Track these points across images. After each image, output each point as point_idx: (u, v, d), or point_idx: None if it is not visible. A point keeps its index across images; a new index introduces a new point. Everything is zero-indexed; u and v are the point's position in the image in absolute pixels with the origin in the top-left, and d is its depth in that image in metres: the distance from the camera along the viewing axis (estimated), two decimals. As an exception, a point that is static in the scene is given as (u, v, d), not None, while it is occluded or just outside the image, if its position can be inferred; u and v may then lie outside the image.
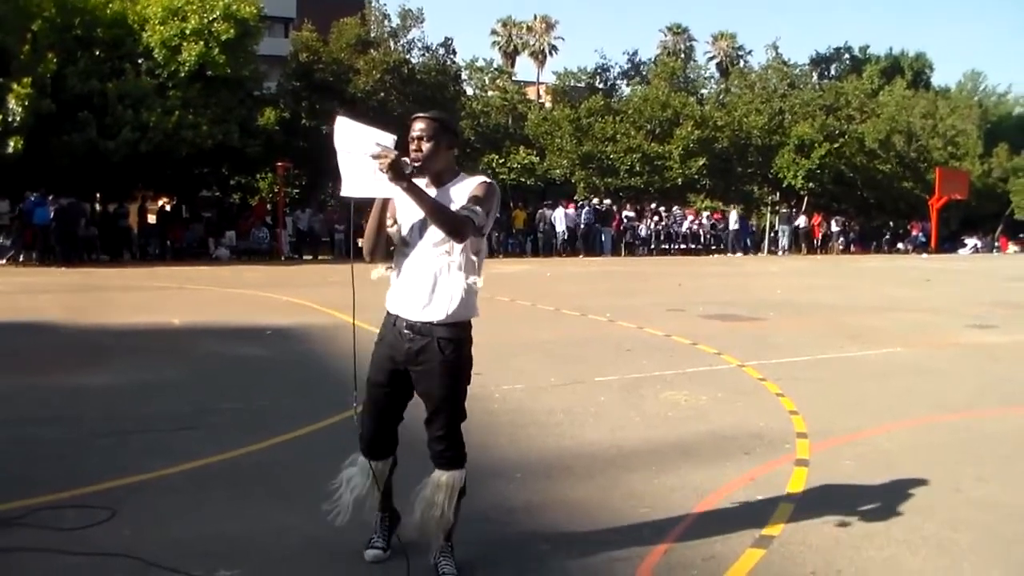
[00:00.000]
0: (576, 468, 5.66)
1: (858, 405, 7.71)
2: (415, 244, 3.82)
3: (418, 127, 3.80)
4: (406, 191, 3.62)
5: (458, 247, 3.76)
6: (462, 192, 3.79)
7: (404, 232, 3.85)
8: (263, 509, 4.78)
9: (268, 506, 4.84)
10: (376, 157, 3.57)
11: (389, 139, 3.65)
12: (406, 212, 3.83)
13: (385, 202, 3.81)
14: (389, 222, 3.88)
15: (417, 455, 4.08)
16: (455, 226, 3.66)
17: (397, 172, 3.56)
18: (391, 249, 3.92)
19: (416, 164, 3.71)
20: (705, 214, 41.79)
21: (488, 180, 3.87)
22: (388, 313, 3.94)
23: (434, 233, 3.75)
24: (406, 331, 3.83)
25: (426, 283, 3.79)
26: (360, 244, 3.95)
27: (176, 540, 4.30)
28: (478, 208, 3.72)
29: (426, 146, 3.76)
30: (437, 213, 3.66)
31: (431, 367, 3.82)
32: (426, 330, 3.80)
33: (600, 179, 37.89)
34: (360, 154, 3.63)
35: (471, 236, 3.74)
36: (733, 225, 40.21)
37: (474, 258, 3.86)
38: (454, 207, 3.73)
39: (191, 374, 8.67)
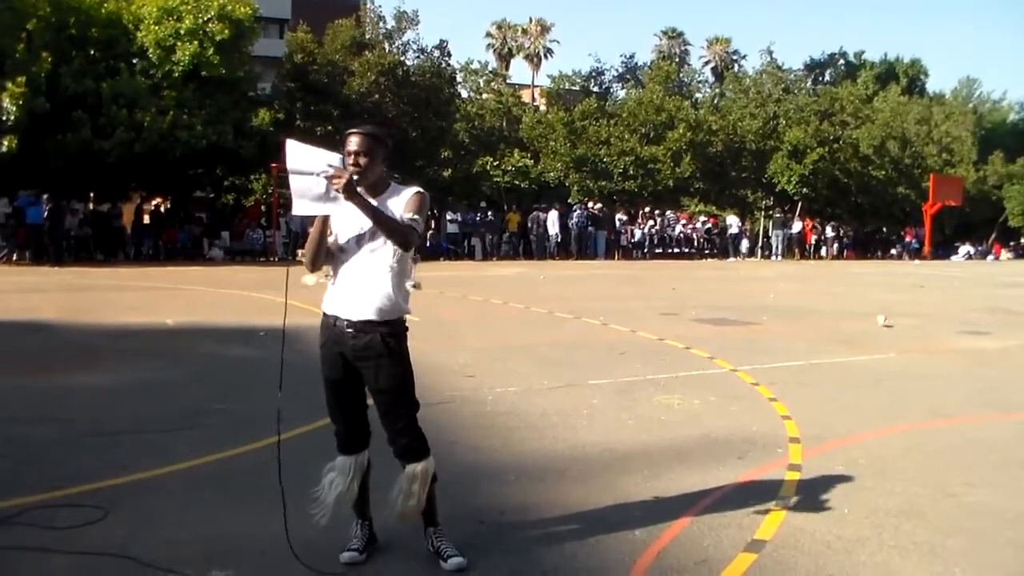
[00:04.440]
0: (569, 471, 5.66)
1: (851, 410, 7.73)
2: (352, 251, 4.03)
3: (354, 141, 3.98)
4: (359, 206, 3.84)
5: (393, 252, 4.00)
6: (398, 203, 4.02)
7: (341, 241, 4.04)
8: (256, 510, 4.78)
9: (261, 507, 4.82)
10: (330, 178, 3.78)
11: (336, 159, 3.86)
12: (342, 223, 4.01)
13: (327, 216, 3.97)
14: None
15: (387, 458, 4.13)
16: (403, 236, 3.94)
17: (351, 190, 3.78)
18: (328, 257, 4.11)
19: (356, 176, 3.88)
20: (702, 218, 41.88)
21: (421, 191, 4.10)
22: (326, 314, 4.13)
23: (371, 242, 4.00)
24: (348, 330, 4.02)
25: (364, 286, 4.01)
26: (300, 255, 4.14)
27: (169, 540, 4.30)
28: (418, 217, 3.98)
29: (363, 160, 3.94)
30: (386, 225, 3.91)
31: (379, 361, 4.03)
32: (368, 327, 4.01)
33: (594, 182, 37.91)
34: (312, 175, 3.81)
35: (415, 243, 4.00)
36: (733, 230, 40.28)
37: (409, 261, 4.09)
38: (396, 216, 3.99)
39: (184, 375, 8.66)
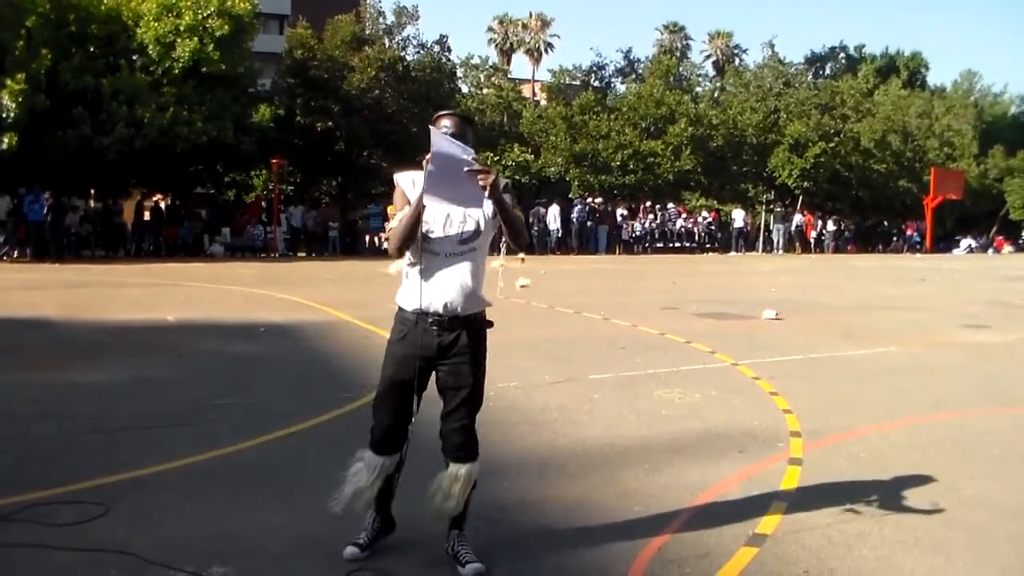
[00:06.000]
0: (570, 466, 5.67)
1: (851, 404, 7.73)
2: (440, 242, 3.91)
3: (445, 124, 3.90)
4: (497, 204, 3.79)
5: (482, 244, 3.95)
6: None
7: (426, 229, 3.90)
8: (256, 506, 4.78)
9: (261, 503, 4.83)
10: (477, 172, 3.67)
11: (471, 153, 3.73)
12: (433, 213, 3.89)
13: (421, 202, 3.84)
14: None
15: (424, 454, 4.11)
16: (524, 235, 3.97)
17: (496, 186, 3.71)
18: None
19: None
20: (704, 213, 41.84)
21: (508, 182, 4.00)
22: (406, 310, 3.99)
23: (461, 231, 3.91)
24: (433, 327, 3.91)
25: (454, 279, 3.90)
26: (385, 237, 4.01)
27: (169, 537, 4.30)
28: (519, 209, 3.96)
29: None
30: (516, 223, 3.92)
31: (461, 359, 3.95)
32: (456, 324, 3.92)
33: (594, 177, 37.90)
34: (454, 165, 3.68)
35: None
36: (739, 224, 40.21)
37: (499, 257, 4.13)
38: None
39: (185, 371, 8.65)
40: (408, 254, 3.96)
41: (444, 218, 3.89)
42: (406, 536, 4.23)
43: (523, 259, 4.14)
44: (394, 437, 4.04)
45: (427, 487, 4.02)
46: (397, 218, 3.91)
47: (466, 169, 3.67)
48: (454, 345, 3.92)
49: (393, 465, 4.07)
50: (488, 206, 3.84)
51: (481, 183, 3.67)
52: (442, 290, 3.89)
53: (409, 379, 3.95)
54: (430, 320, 3.90)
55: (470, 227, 3.90)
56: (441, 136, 3.74)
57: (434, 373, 4.01)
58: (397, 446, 4.07)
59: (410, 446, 4.11)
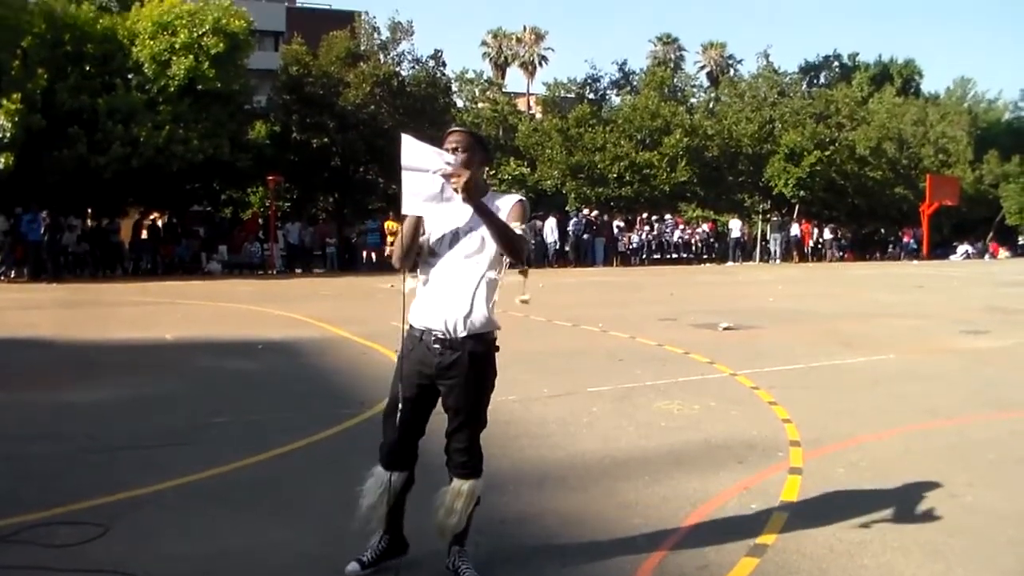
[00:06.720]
0: (569, 479, 5.66)
1: (851, 412, 7.72)
2: (444, 255, 3.85)
3: (453, 140, 3.85)
4: (475, 208, 3.69)
5: (489, 261, 3.82)
6: (499, 211, 3.81)
7: (432, 242, 3.86)
8: (255, 524, 4.76)
9: (260, 521, 4.82)
10: (449, 176, 3.62)
11: (452, 158, 3.69)
12: (437, 224, 3.85)
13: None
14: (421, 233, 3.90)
15: (431, 470, 4.10)
16: (517, 246, 3.76)
17: (469, 188, 3.61)
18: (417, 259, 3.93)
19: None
20: (704, 226, 41.90)
21: (523, 199, 3.94)
22: (413, 327, 3.93)
23: (466, 246, 3.82)
24: (435, 346, 3.84)
25: (455, 297, 3.81)
26: (388, 252, 3.97)
27: (168, 556, 4.28)
28: (525, 227, 3.81)
29: (461, 158, 3.76)
30: (503, 232, 3.73)
31: (461, 381, 3.85)
32: (456, 344, 3.82)
33: (591, 189, 37.96)
34: (426, 172, 3.64)
35: (525, 254, 3.81)
36: (735, 234, 40.26)
37: (500, 274, 3.90)
38: None
39: (183, 389, 8.64)
40: (419, 270, 3.92)
41: (450, 233, 3.84)
42: (409, 551, 4.21)
43: (525, 272, 4.08)
44: (400, 453, 3.98)
45: (431, 502, 4.01)
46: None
47: (433, 172, 3.63)
48: (454, 366, 3.83)
49: (401, 482, 4.00)
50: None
51: (453, 185, 3.62)
52: (444, 308, 3.82)
53: (411, 396, 3.90)
54: (432, 338, 3.84)
55: (475, 243, 3.82)
56: (412, 143, 3.69)
57: None
58: (405, 463, 4.01)
59: (416, 462, 4.09)
